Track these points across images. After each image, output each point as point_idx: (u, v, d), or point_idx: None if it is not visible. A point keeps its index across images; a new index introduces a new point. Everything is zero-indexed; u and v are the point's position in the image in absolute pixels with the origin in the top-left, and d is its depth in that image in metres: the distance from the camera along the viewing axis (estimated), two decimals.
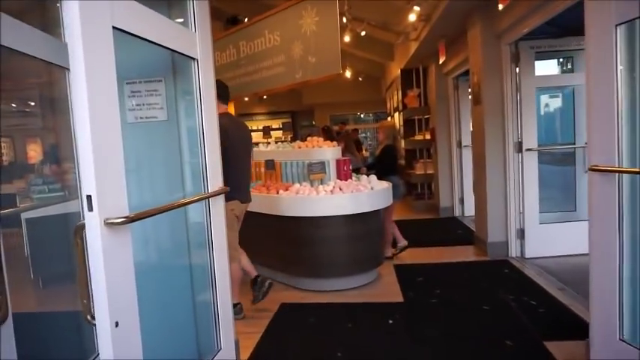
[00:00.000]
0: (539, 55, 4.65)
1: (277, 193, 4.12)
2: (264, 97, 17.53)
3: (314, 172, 4.01)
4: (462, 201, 7.33)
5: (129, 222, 1.44)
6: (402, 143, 9.00)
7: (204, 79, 2.20)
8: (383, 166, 4.91)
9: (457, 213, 7.37)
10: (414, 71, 8.54)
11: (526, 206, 4.71)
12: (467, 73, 6.74)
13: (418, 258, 5.06)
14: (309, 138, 4.46)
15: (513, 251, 4.84)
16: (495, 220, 4.88)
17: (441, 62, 6.52)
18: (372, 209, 3.97)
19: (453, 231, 6.30)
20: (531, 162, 4.67)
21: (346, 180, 4.17)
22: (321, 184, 4.12)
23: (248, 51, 5.34)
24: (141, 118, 2.27)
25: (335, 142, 4.40)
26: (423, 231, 6.45)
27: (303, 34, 4.48)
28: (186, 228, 2.33)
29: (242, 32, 5.42)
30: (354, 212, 3.85)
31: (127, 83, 2.25)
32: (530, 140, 4.64)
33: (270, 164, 4.48)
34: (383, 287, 4.18)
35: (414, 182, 8.15)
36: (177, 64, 2.26)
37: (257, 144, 5.25)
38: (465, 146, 7.22)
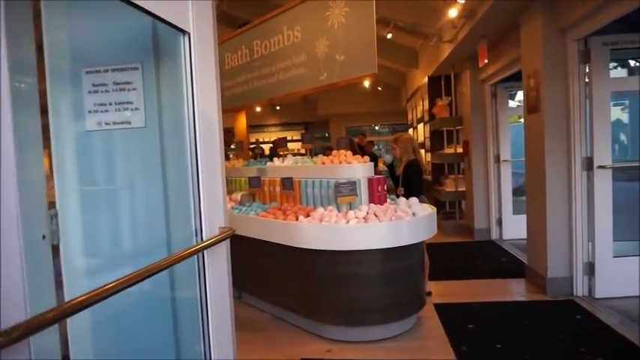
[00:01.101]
0: (615, 53, 3.85)
1: (296, 219, 3.36)
2: (277, 107, 16.97)
3: (343, 194, 3.25)
4: (499, 223, 6.49)
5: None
6: (429, 157, 8.22)
7: (199, 63, 1.46)
8: (408, 184, 4.12)
9: (494, 236, 6.53)
10: (444, 78, 7.80)
11: (597, 235, 3.88)
12: (508, 79, 5.98)
13: (462, 294, 4.24)
14: (334, 152, 3.71)
15: (580, 289, 3.99)
16: (557, 251, 4.05)
17: (480, 66, 5.75)
18: (415, 241, 3.19)
19: (494, 259, 5.46)
20: (604, 182, 3.85)
21: (382, 203, 3.39)
22: (350, 208, 3.35)
23: (263, 51, 4.63)
24: (106, 124, 1.53)
25: (366, 157, 3.63)
26: (459, 257, 5.62)
27: (329, 27, 3.75)
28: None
29: (256, 29, 4.71)
30: (394, 245, 3.07)
31: (86, 73, 1.52)
32: (603, 156, 3.83)
33: (287, 183, 3.73)
34: (427, 338, 3.36)
35: (442, 200, 7.33)
36: (161, 42, 1.53)
37: (270, 157, 4.50)
38: (504, 161, 6.41)
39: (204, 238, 1.42)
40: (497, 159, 6.44)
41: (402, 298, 3.27)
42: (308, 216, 3.40)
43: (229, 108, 5.28)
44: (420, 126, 9.22)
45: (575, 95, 3.88)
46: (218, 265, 1.49)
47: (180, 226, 1.50)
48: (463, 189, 7.20)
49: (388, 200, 3.62)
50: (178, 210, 1.51)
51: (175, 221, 1.52)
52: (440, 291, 4.29)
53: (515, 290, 4.29)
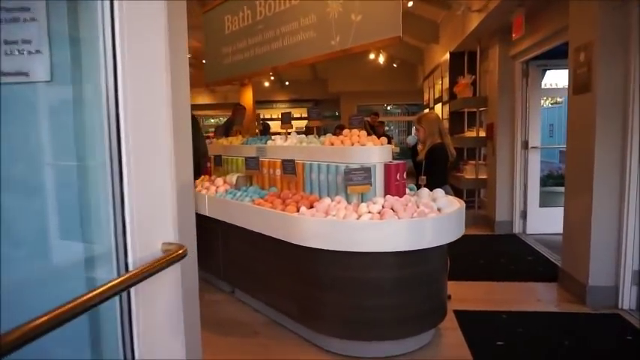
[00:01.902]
0: None
1: (297, 210, 2.80)
2: (287, 82, 16.30)
3: (354, 182, 2.68)
4: (524, 215, 5.89)
5: None
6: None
7: None
8: (431, 172, 3.53)
9: (517, 229, 5.94)
10: (467, 55, 7.10)
11: None
12: (542, 56, 5.31)
13: (486, 300, 3.69)
14: (345, 131, 3.13)
15: (627, 301, 3.43)
16: (601, 256, 3.47)
17: (514, 39, 5.07)
18: (440, 243, 2.62)
19: (519, 256, 4.89)
20: None
21: (400, 195, 2.82)
22: (363, 200, 2.79)
23: (267, 12, 4.01)
24: None
25: (384, 139, 3.04)
26: (480, 253, 5.05)
27: None
28: None
29: None
30: (415, 248, 2.51)
31: None
32: None
33: (289, 166, 3.16)
34: (448, 357, 2.83)
35: (460, 188, 6.74)
36: None
37: (272, 136, 3.93)
38: (533, 148, 5.78)
39: (130, 264, 0.86)
40: (526, 145, 5.80)
41: (420, 309, 2.72)
42: (312, 207, 2.85)
43: (228, 77, 4.69)
44: (438, 106, 8.54)
45: (637, 72, 3.24)
46: (159, 308, 0.94)
47: (91, 242, 0.95)
48: (484, 176, 6.59)
49: (407, 191, 3.05)
50: (89, 215, 0.95)
51: (85, 235, 0.97)
52: (461, 294, 3.74)
53: (549, 298, 3.73)
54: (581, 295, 3.57)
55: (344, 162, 2.93)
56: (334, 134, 3.26)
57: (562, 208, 5.94)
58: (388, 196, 2.72)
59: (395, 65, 12.13)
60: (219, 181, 3.93)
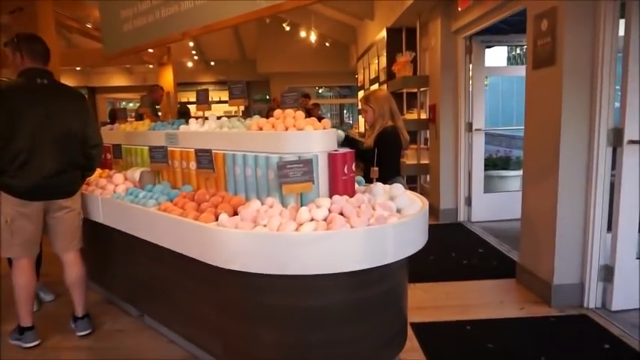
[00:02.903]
0: None
1: (216, 218, 2.09)
2: (212, 63, 15.14)
3: (291, 179, 2.01)
4: (469, 202, 5.58)
5: None
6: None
7: None
8: (384, 161, 2.94)
9: (462, 217, 5.62)
10: (406, 31, 6.65)
11: (621, 229, 2.97)
12: (485, 31, 4.93)
13: (445, 307, 3.22)
14: (277, 112, 2.44)
15: (592, 300, 3.10)
16: (567, 250, 3.11)
17: (461, 9, 4.61)
18: (405, 255, 2.04)
19: (469, 248, 4.51)
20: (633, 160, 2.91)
21: (350, 194, 2.20)
22: (303, 202, 2.13)
23: None
24: None
25: (326, 121, 2.39)
26: (428, 247, 4.60)
27: None
28: None
29: None
30: (375, 265, 1.90)
31: None
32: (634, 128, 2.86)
33: (204, 158, 2.41)
34: None
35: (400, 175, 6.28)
36: None
37: (188, 118, 3.13)
38: (478, 130, 5.44)
39: None
40: (470, 127, 5.45)
41: (380, 339, 2.14)
42: (235, 213, 2.15)
43: (130, 48, 3.79)
44: (374, 87, 8.06)
45: (606, 42, 2.85)
46: None
47: None
48: (426, 162, 6.21)
49: (356, 186, 2.44)
50: None
51: None
52: (417, 300, 3.24)
53: (511, 298, 3.33)
54: (545, 295, 3.21)
55: (277, 152, 2.25)
56: (267, 117, 2.56)
57: (505, 194, 5.76)
58: (336, 197, 2.08)
59: (327, 44, 11.51)
60: (119, 177, 3.08)
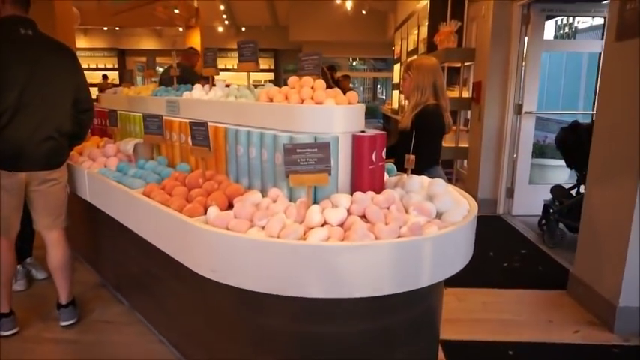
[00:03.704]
0: None
1: (205, 211, 1.64)
2: (243, 28, 14.59)
3: (302, 168, 1.53)
4: (510, 194, 4.98)
5: None
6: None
7: None
8: (421, 148, 2.37)
9: (502, 210, 5.04)
10: None
11: None
12: None
13: (482, 321, 2.73)
14: (292, 79, 1.95)
15: None
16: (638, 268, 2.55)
17: None
18: (446, 276, 1.55)
19: (510, 248, 3.97)
20: None
21: (378, 189, 1.71)
22: (316, 198, 1.66)
23: None
24: None
25: (352, 94, 1.89)
26: None
27: None
28: None
29: None
30: (405, 290, 1.42)
31: None
32: None
33: (199, 134, 1.95)
34: None
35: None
36: None
37: (193, 82, 2.68)
38: (528, 113, 4.79)
39: None
40: (519, 110, 4.80)
41: None
42: (231, 206, 1.70)
43: None
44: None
45: None
46: None
47: None
48: (465, 145, 5.60)
49: (386, 178, 1.95)
50: None
51: None
52: (448, 308, 2.73)
53: (561, 317, 2.81)
54: (606, 317, 2.67)
55: (287, 130, 1.77)
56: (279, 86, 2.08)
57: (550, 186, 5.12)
58: (358, 195, 1.59)
59: (364, 12, 10.76)
60: (111, 149, 2.68)
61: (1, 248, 2.44)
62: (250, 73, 2.26)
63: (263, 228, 1.48)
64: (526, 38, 4.65)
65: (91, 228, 2.90)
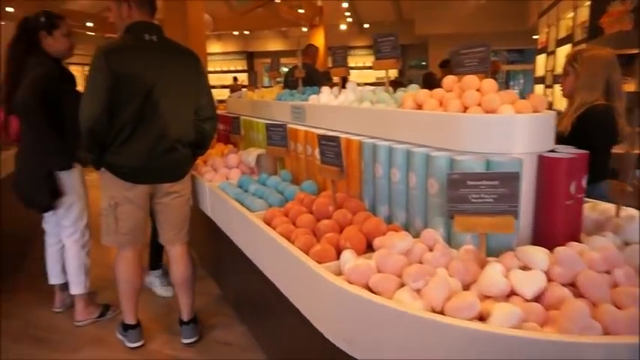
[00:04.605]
0: None
1: (337, 256, 1.27)
2: (366, 25, 14.27)
3: (474, 208, 1.07)
4: None
5: None
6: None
7: None
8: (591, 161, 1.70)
9: None
10: None
11: None
12: None
13: None
14: (448, 79, 1.49)
15: None
16: None
17: None
18: None
19: None
20: None
21: (577, 235, 1.18)
22: (489, 248, 1.18)
23: None
24: None
25: (539, 97, 1.37)
26: None
27: None
28: None
29: None
30: None
31: None
32: None
33: (329, 150, 1.60)
34: None
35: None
36: None
37: (320, 86, 2.35)
38: None
39: None
40: None
41: None
42: (368, 246, 1.31)
43: None
44: (566, 48, 6.30)
45: None
46: None
47: None
48: None
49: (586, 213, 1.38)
50: None
51: None
52: None
53: None
54: None
55: (445, 148, 1.33)
56: (427, 86, 1.63)
57: None
58: (563, 252, 1.07)
59: None
60: (233, 159, 2.49)
61: (130, 259, 2.38)
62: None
63: (418, 292, 1.05)
64: None
65: (214, 241, 2.76)
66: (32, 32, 2.40)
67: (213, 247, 2.83)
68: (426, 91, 1.55)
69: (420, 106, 1.51)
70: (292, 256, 1.32)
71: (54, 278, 2.73)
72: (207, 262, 3.11)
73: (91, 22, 8.39)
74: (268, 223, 1.60)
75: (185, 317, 2.52)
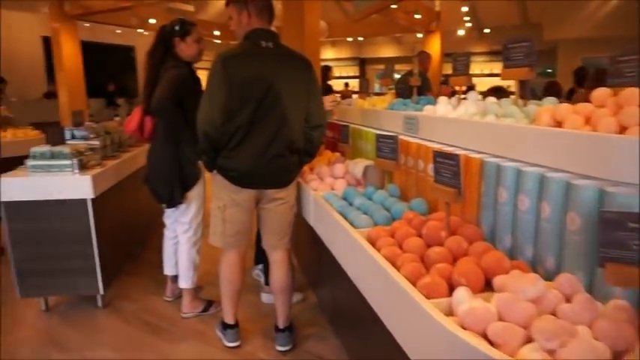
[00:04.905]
0: None
1: (450, 289, 1.11)
2: (486, 30, 13.46)
3: (635, 258, 0.86)
4: None
5: None
6: None
7: None
8: None
9: None
10: None
11: None
12: None
13: None
14: (598, 92, 1.24)
15: None
16: None
17: None
18: None
19: None
20: None
21: None
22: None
23: None
24: None
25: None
26: None
27: None
28: None
29: None
30: None
31: None
32: None
33: (445, 169, 1.43)
34: None
35: None
36: None
37: (436, 96, 2.19)
38: None
39: None
40: None
41: None
42: (486, 284, 1.13)
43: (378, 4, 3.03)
44: None
45: None
46: None
47: None
48: None
49: None
50: None
51: None
52: None
53: None
54: None
55: (594, 177, 1.09)
56: (571, 99, 1.39)
57: None
58: None
59: None
60: (339, 169, 2.42)
61: (233, 262, 2.43)
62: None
63: (551, 352, 0.86)
64: None
65: (316, 250, 2.73)
66: (168, 38, 2.58)
67: (314, 256, 2.79)
68: (567, 105, 1.32)
69: (559, 124, 1.28)
70: (397, 285, 1.19)
71: (168, 269, 2.91)
72: (307, 270, 3.09)
73: (217, 30, 9.03)
74: (372, 243, 1.48)
75: (281, 324, 2.50)
